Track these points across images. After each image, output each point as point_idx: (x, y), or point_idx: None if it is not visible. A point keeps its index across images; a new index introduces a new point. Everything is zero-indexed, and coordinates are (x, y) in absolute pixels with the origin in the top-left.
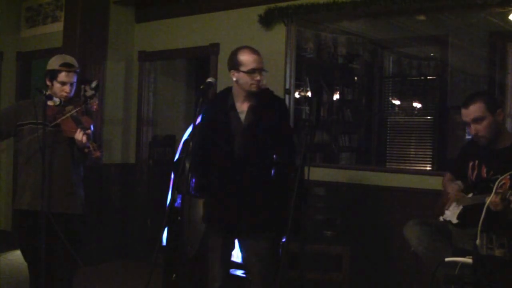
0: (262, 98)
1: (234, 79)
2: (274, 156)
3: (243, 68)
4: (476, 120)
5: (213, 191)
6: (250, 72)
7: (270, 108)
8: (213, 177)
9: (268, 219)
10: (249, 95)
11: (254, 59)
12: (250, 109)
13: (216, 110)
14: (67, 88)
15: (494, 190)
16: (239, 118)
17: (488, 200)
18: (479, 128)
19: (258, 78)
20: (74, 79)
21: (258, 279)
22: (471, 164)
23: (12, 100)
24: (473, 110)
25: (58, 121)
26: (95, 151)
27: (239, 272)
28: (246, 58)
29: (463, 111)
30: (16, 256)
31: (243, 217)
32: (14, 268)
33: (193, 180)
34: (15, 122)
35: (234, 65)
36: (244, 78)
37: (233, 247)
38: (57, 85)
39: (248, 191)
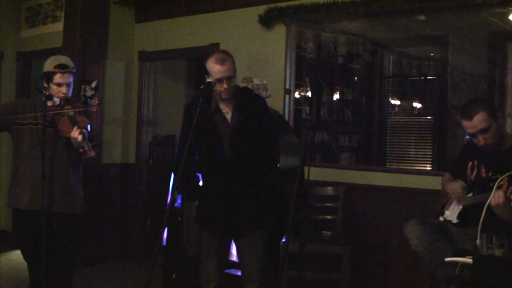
0: (244, 97)
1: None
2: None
3: (211, 77)
4: (483, 131)
5: (205, 192)
6: (216, 82)
7: (254, 107)
8: (203, 178)
9: (260, 218)
10: (231, 96)
11: (218, 70)
12: (235, 109)
13: (201, 113)
14: (63, 89)
15: (494, 189)
16: (225, 119)
17: (488, 200)
18: (487, 137)
19: (225, 86)
20: (70, 79)
21: (251, 278)
22: (470, 164)
23: (12, 100)
24: (478, 121)
25: (51, 113)
26: (90, 151)
27: (239, 272)
28: (211, 67)
29: (467, 123)
30: (16, 256)
31: (235, 217)
32: (14, 268)
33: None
34: (14, 118)
35: (207, 71)
36: (215, 86)
37: (227, 247)
38: (53, 87)
39: (239, 190)
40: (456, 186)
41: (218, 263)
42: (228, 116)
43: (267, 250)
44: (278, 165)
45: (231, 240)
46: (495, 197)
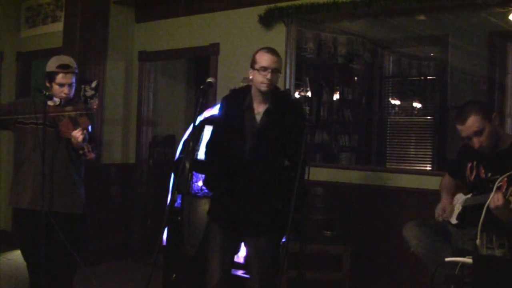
0: (280, 101)
1: (250, 77)
2: (286, 159)
3: (256, 66)
4: (477, 133)
5: (221, 188)
6: (261, 70)
7: (287, 112)
8: (221, 174)
9: (272, 220)
10: (267, 97)
11: (267, 57)
12: (267, 112)
13: (233, 107)
14: (65, 89)
15: (494, 190)
16: (255, 119)
17: (488, 201)
18: (482, 139)
19: (268, 77)
20: (73, 80)
21: (257, 278)
22: (469, 165)
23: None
24: (471, 124)
25: (52, 115)
26: (89, 153)
27: (239, 272)
28: (260, 56)
29: (461, 127)
30: (16, 256)
31: (247, 216)
32: (14, 268)
33: (203, 176)
34: (16, 118)
35: (252, 63)
36: (255, 76)
37: (235, 246)
38: (55, 87)
39: (254, 191)
40: (442, 211)
41: (222, 260)
42: (258, 117)
43: (275, 253)
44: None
45: (239, 240)
46: (494, 199)
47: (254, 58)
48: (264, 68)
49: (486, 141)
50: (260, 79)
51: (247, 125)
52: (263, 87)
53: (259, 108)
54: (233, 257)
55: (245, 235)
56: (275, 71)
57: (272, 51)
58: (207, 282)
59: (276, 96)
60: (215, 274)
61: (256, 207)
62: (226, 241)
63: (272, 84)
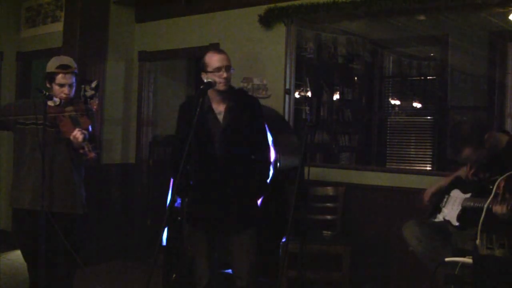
0: (237, 98)
1: (205, 80)
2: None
3: (209, 69)
4: (474, 161)
5: (195, 191)
6: (215, 71)
7: (246, 108)
8: (194, 177)
9: (250, 217)
10: (224, 96)
11: (218, 58)
12: (227, 110)
13: (195, 112)
14: (65, 89)
15: (493, 191)
16: (217, 119)
17: (488, 201)
18: (482, 161)
19: (224, 76)
20: (73, 80)
21: (240, 276)
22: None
23: (12, 100)
24: (466, 156)
25: (52, 114)
26: (90, 152)
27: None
28: (210, 59)
29: (458, 157)
30: (16, 256)
31: (225, 216)
32: (14, 268)
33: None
34: (17, 118)
35: (203, 67)
36: (211, 78)
37: (219, 246)
38: (56, 87)
39: (228, 190)
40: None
41: (209, 261)
42: (220, 117)
43: (256, 248)
44: (271, 165)
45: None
46: (498, 210)
47: (204, 62)
48: (218, 69)
49: (484, 157)
50: (217, 80)
51: (212, 126)
52: (222, 86)
53: (220, 108)
54: (222, 255)
55: (226, 233)
56: (228, 68)
57: (219, 50)
58: (196, 285)
59: (233, 94)
60: (204, 276)
61: (232, 205)
62: (210, 242)
63: (228, 82)
